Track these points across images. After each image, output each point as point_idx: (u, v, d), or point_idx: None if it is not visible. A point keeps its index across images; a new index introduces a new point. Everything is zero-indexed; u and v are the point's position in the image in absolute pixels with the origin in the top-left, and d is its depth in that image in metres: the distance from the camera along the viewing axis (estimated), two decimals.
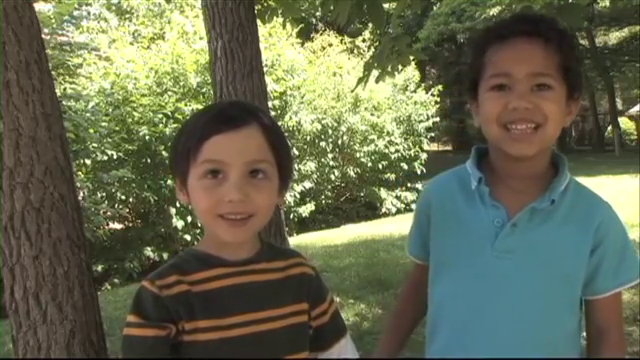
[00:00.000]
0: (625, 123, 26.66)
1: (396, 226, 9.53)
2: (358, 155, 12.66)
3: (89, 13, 16.14)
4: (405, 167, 13.13)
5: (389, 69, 4.07)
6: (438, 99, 14.20)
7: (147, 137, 9.68)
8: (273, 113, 10.07)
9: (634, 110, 25.03)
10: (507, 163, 1.16)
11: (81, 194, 8.68)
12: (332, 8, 3.51)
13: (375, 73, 4.13)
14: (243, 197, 0.95)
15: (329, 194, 12.84)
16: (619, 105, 29.23)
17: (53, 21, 9.89)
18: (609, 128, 26.78)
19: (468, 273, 1.16)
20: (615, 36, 26.77)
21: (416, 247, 1.33)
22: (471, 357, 1.14)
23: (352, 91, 10.76)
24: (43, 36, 2.08)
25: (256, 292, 1.02)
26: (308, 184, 11.73)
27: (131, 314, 0.96)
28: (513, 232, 1.12)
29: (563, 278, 1.12)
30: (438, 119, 14.55)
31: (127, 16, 18.24)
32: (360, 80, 4.21)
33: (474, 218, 1.17)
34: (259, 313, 1.00)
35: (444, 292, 1.20)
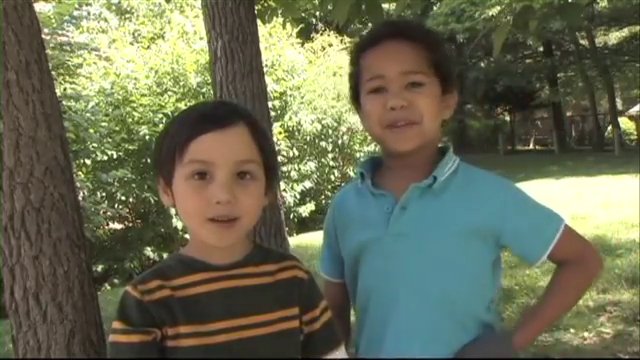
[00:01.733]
0: (625, 123, 26.63)
1: None
2: (358, 155, 12.67)
3: (89, 13, 16.15)
4: None
5: None
6: None
7: (147, 137, 9.67)
8: (273, 113, 10.07)
9: (634, 110, 25.03)
10: (394, 160, 1.22)
11: (81, 194, 8.68)
12: (330, 7, 3.50)
13: None
14: (231, 198, 0.93)
15: (329, 194, 12.82)
16: (619, 105, 29.22)
17: (53, 21, 9.88)
18: (609, 128, 26.75)
19: (373, 264, 1.19)
20: (615, 36, 26.75)
21: (327, 265, 1.36)
22: (387, 342, 1.17)
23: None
24: (43, 36, 2.07)
25: (241, 297, 0.99)
26: (308, 184, 11.73)
27: (116, 321, 0.95)
28: (403, 214, 1.16)
29: (459, 249, 1.15)
30: None
31: (127, 16, 18.24)
32: None
33: (366, 211, 1.21)
34: (244, 319, 0.97)
35: (360, 294, 1.23)
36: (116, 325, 0.95)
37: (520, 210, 1.19)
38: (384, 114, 1.15)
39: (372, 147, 12.59)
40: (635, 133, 25.74)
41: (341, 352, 1.10)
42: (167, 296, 0.96)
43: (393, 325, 1.16)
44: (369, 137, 12.65)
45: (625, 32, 25.48)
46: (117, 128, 9.95)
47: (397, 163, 1.22)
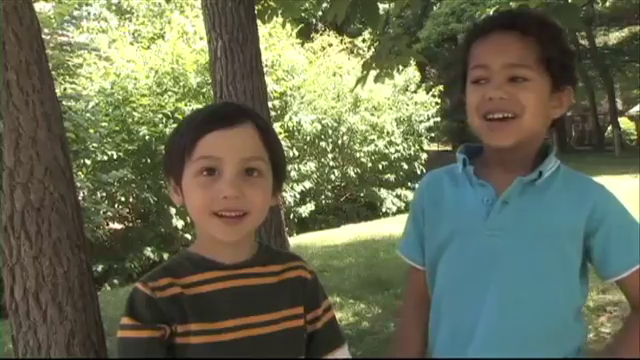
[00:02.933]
0: (625, 123, 26.62)
1: (396, 226, 9.51)
2: (358, 155, 12.67)
3: (89, 13, 16.16)
4: (405, 167, 13.15)
5: (388, 69, 4.07)
6: (438, 99, 14.21)
7: (147, 137, 9.69)
8: (273, 113, 10.07)
9: (634, 110, 25.01)
10: (493, 153, 1.17)
11: (81, 194, 8.68)
12: (328, 7, 3.51)
13: (374, 73, 4.14)
14: (238, 193, 0.94)
15: (329, 194, 12.84)
16: (619, 105, 29.20)
17: (53, 21, 9.88)
18: (609, 128, 26.76)
19: (464, 255, 1.15)
20: (615, 36, 26.75)
21: (411, 247, 1.29)
22: (475, 346, 1.12)
23: (351, 91, 10.76)
24: (43, 36, 2.08)
25: (249, 296, 1.00)
26: (308, 184, 11.74)
27: (125, 317, 0.96)
28: (504, 208, 1.12)
29: (556, 252, 1.11)
30: (439, 119, 14.57)
31: (127, 16, 18.24)
32: (359, 80, 4.21)
33: (463, 200, 1.17)
34: (252, 317, 0.99)
35: (442, 282, 1.19)
36: (125, 321, 0.96)
37: (619, 219, 1.14)
38: (482, 104, 1.12)
39: (372, 147, 12.60)
40: (635, 133, 25.74)
41: (343, 352, 1.11)
42: (177, 294, 0.96)
43: (483, 323, 1.12)
44: (369, 137, 12.69)
45: (625, 32, 25.51)
46: (117, 128, 9.95)
47: (495, 157, 1.17)
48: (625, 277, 1.12)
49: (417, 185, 1.39)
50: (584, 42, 25.01)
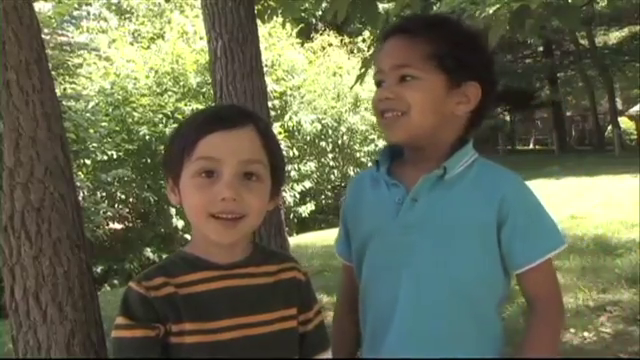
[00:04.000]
0: (625, 123, 26.60)
1: None
2: (358, 155, 12.68)
3: (89, 13, 16.13)
4: None
5: None
6: None
7: (147, 137, 9.69)
8: (273, 113, 10.08)
9: (634, 110, 24.97)
10: (406, 152, 1.23)
11: (81, 194, 8.69)
12: (327, 6, 3.51)
13: (373, 71, 4.13)
14: (235, 196, 0.94)
15: (329, 194, 12.85)
16: (619, 105, 29.20)
17: (53, 21, 9.89)
18: (609, 128, 26.75)
19: (380, 255, 1.18)
20: (615, 36, 26.74)
21: (341, 246, 1.35)
22: (389, 341, 1.15)
23: (351, 88, 10.77)
24: (43, 36, 2.07)
25: (243, 296, 1.00)
26: (308, 184, 11.74)
27: (119, 316, 0.96)
28: (413, 206, 1.15)
29: (465, 246, 1.13)
30: None
31: (127, 16, 18.23)
32: (358, 77, 4.21)
33: (380, 200, 1.20)
34: (246, 317, 0.99)
35: (364, 278, 1.23)
36: (119, 321, 0.96)
37: (526, 211, 1.15)
38: (377, 104, 1.20)
39: (372, 147, 12.60)
40: (635, 133, 25.72)
41: (327, 355, 1.12)
42: (171, 293, 0.97)
43: (398, 318, 1.15)
44: (369, 137, 12.69)
45: (625, 32, 25.50)
46: (117, 128, 9.95)
47: (408, 156, 1.23)
48: (525, 270, 1.14)
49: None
50: (584, 42, 25.01)
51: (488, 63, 1.24)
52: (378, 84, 1.21)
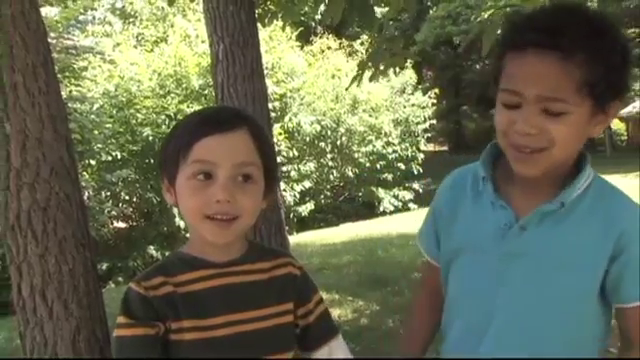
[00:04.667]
0: (616, 124, 26.63)
1: (394, 225, 9.53)
2: (356, 155, 12.67)
3: (94, 17, 16.15)
4: (402, 167, 13.14)
5: (382, 68, 4.09)
6: (435, 101, 14.21)
7: (150, 138, 9.70)
8: (273, 115, 10.07)
9: (624, 111, 24.99)
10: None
11: (86, 194, 8.68)
12: (324, 9, 3.52)
13: (369, 73, 4.15)
14: (230, 198, 0.95)
15: (328, 194, 12.85)
16: None
17: (59, 25, 9.89)
18: None
19: (476, 271, 1.10)
20: None
21: (428, 241, 1.23)
22: (480, 354, 1.09)
23: (347, 89, 10.78)
24: (49, 40, 2.08)
25: (239, 293, 1.00)
26: (308, 184, 11.75)
27: (120, 315, 0.96)
28: (521, 235, 1.05)
29: (570, 281, 1.05)
30: (435, 121, 14.57)
31: (131, 20, 18.22)
32: (354, 78, 4.23)
33: (482, 215, 1.10)
34: (242, 314, 0.99)
35: (455, 290, 1.16)
36: (120, 320, 0.96)
37: None
38: (510, 133, 1.00)
39: (370, 148, 12.61)
40: (625, 134, 25.78)
41: (338, 342, 1.11)
42: (170, 292, 0.97)
43: (486, 345, 1.08)
44: (367, 138, 12.68)
45: None
46: (121, 129, 9.96)
47: (521, 178, 1.07)
48: (629, 307, 1.05)
49: (419, 186, 1.34)
50: None
51: (629, 74, 1.04)
52: (508, 106, 1.00)
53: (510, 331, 1.07)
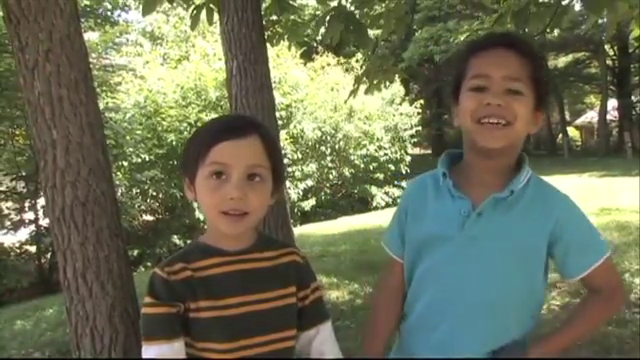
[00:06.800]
0: (572, 131, 26.76)
1: (385, 218, 9.50)
2: (352, 158, 12.66)
3: (127, 40, 16.11)
4: (392, 168, 13.13)
5: (375, 83, 4.10)
6: (420, 110, 14.18)
7: (174, 143, 9.70)
8: (280, 122, 10.06)
9: (579, 121, 25.27)
10: (478, 157, 1.11)
11: (119, 191, 8.69)
12: (324, 31, 3.53)
13: (364, 87, 4.15)
14: (242, 195, 0.95)
15: (328, 191, 12.83)
16: (567, 117, 29.34)
17: (99, 47, 9.90)
18: (560, 136, 26.81)
19: (441, 257, 1.12)
20: (562, 60, 27.06)
21: (393, 241, 1.24)
22: (446, 322, 1.11)
23: (345, 102, 10.76)
24: (90, 59, 2.09)
25: (249, 278, 1.01)
26: (310, 182, 11.74)
27: (147, 296, 0.98)
28: (478, 220, 1.08)
29: (521, 260, 1.09)
30: (420, 128, 14.55)
31: (158, 42, 18.23)
32: (351, 92, 4.23)
33: (443, 208, 1.13)
34: (251, 296, 1.00)
35: (422, 273, 1.16)
36: (147, 300, 0.98)
37: (577, 227, 1.11)
38: (479, 109, 1.06)
39: (364, 151, 12.59)
40: (580, 140, 25.87)
41: (326, 327, 1.10)
42: (189, 276, 0.98)
43: (449, 319, 1.11)
44: (362, 143, 12.67)
45: (570, 57, 26.22)
46: (149, 135, 9.95)
47: (479, 161, 1.12)
48: (583, 277, 1.11)
49: (405, 185, 1.34)
50: None
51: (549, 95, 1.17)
52: (477, 89, 1.07)
53: (472, 305, 1.10)
